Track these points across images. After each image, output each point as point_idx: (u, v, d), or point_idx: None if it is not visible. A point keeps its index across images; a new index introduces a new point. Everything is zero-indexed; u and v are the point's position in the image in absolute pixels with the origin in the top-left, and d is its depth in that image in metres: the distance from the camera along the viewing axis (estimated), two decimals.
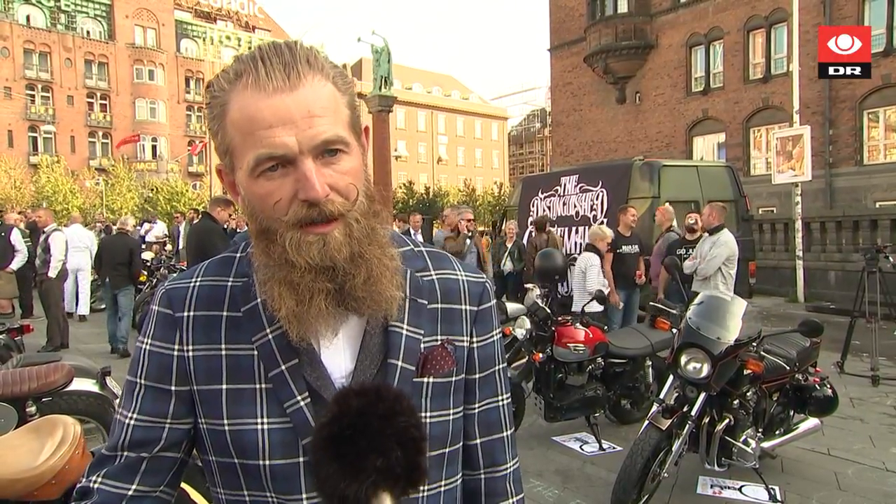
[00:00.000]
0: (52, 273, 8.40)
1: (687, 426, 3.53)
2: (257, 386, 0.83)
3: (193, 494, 1.98)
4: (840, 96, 19.39)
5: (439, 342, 0.91)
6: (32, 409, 3.43)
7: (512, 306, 6.06)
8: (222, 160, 0.85)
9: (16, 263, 8.57)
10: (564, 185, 10.17)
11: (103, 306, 11.28)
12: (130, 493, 0.84)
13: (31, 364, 3.73)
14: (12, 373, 3.51)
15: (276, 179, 0.77)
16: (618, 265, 7.42)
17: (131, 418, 0.86)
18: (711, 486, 4.01)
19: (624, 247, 7.46)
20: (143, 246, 14.36)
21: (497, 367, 0.99)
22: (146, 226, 16.64)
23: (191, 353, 0.86)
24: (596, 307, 5.08)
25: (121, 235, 8.85)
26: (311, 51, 0.80)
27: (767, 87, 21.09)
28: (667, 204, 8.12)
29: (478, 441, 0.97)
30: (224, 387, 0.84)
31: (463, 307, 0.94)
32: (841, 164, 19.70)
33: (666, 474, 3.55)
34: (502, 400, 1.00)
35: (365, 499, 0.69)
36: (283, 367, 0.83)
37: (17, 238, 8.69)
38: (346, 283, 0.80)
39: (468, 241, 7.71)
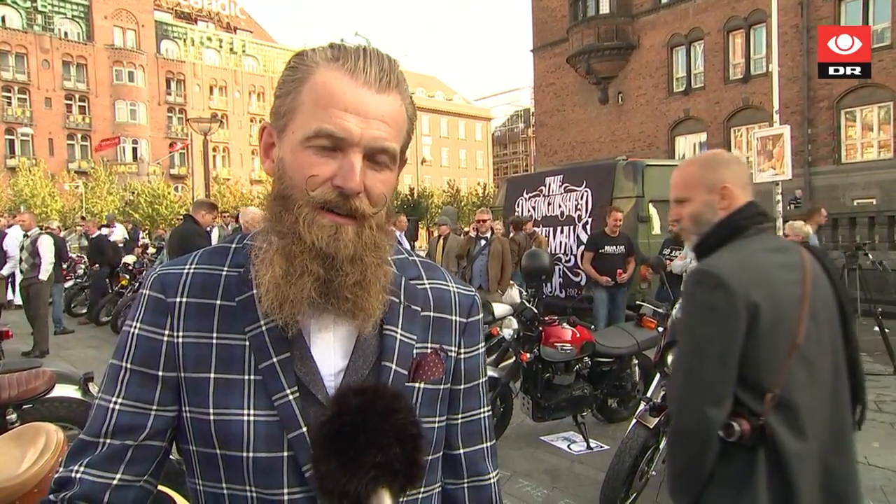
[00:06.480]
0: (44, 276, 8.32)
1: None
2: (246, 377, 0.83)
3: (180, 501, 1.95)
4: (818, 96, 19.68)
5: (430, 349, 0.92)
6: (13, 416, 3.36)
7: (499, 307, 6.07)
8: (276, 121, 0.86)
9: (7, 269, 8.43)
10: (549, 185, 10.23)
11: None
12: (115, 482, 0.82)
13: (11, 370, 3.65)
14: None
15: (322, 157, 0.80)
16: (600, 264, 7.47)
17: (116, 403, 0.84)
18: None
19: (607, 247, 7.50)
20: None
21: (481, 380, 1.01)
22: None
23: (181, 340, 0.84)
24: None
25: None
26: (402, 74, 0.85)
27: (747, 87, 21.34)
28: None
29: (461, 451, 0.99)
30: (212, 375, 0.83)
31: (453, 318, 0.96)
32: (819, 162, 20.00)
33: (654, 472, 3.57)
34: (484, 412, 1.02)
35: (364, 494, 0.70)
36: (275, 360, 0.82)
37: (9, 243, 8.57)
38: (337, 279, 0.80)
39: (482, 242, 7.63)
